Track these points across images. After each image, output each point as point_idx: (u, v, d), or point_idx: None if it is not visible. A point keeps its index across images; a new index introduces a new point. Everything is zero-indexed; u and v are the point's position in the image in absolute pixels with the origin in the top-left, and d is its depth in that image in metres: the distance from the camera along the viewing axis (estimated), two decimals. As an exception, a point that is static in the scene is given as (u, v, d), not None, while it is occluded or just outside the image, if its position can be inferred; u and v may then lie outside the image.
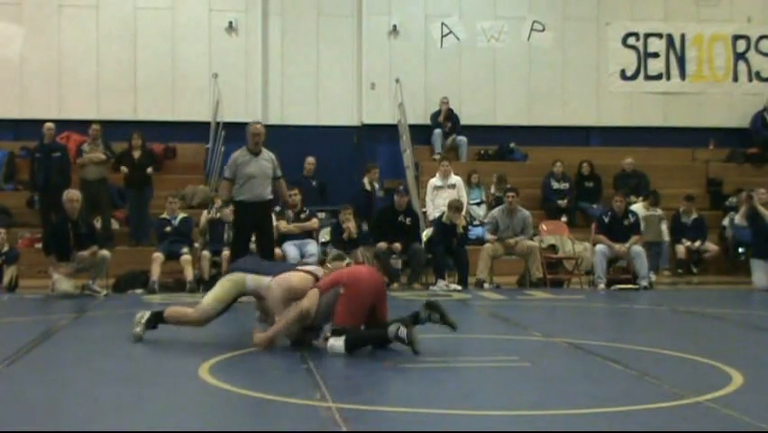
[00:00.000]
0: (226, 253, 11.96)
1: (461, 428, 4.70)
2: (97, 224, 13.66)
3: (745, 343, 8.26)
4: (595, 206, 16.34)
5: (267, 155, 10.96)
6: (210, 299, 7.54)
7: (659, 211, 15.19)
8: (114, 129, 15.74)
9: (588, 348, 7.35)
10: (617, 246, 13.41)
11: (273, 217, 11.84)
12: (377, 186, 15.17)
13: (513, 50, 18.40)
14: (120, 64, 17.29)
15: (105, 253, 12.20)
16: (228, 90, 17.09)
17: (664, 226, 15.07)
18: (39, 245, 13.40)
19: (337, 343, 6.75)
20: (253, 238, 11.01)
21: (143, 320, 7.68)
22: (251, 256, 7.95)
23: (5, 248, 12.82)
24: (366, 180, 15.10)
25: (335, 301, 6.96)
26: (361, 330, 7.04)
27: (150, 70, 17.33)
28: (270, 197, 10.94)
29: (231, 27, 17.61)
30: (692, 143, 18.45)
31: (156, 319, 7.71)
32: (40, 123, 14.92)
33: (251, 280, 7.35)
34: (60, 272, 11.78)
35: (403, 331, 6.75)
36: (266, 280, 7.27)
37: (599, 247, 13.48)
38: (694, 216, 15.33)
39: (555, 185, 16.58)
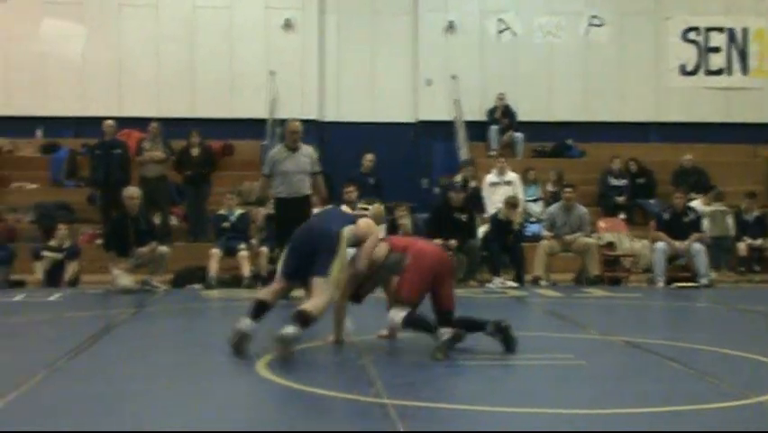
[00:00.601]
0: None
1: (516, 427, 4.68)
2: (156, 220, 13.83)
3: (807, 342, 8.10)
4: (653, 201, 16.13)
5: (305, 151, 11.05)
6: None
7: (723, 207, 14.94)
8: (172, 127, 15.93)
9: (645, 347, 7.27)
10: (677, 243, 13.24)
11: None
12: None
13: (570, 45, 18.26)
14: (179, 62, 17.51)
15: (163, 248, 12.36)
16: (285, 88, 17.20)
17: (730, 221, 14.81)
18: (99, 241, 13.64)
19: (398, 315, 6.76)
20: None
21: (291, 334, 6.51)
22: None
23: (67, 244, 13.04)
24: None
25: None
26: (423, 317, 6.98)
27: (208, 69, 17.52)
28: (309, 192, 10.99)
29: (287, 25, 17.72)
30: (754, 139, 18.13)
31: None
32: (100, 120, 15.14)
33: (348, 230, 6.99)
34: (120, 268, 11.96)
35: (446, 336, 6.65)
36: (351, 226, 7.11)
37: (659, 244, 13.32)
38: (756, 213, 15.05)
39: (613, 181, 16.41)
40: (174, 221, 15.30)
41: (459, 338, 6.73)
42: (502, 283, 12.82)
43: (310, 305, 6.58)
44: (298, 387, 5.53)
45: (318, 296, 6.65)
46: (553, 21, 18.28)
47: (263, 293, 7.01)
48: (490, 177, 15.48)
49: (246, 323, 6.67)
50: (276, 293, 6.93)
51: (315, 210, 7.13)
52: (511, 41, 18.20)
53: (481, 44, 18.14)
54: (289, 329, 6.40)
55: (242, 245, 12.93)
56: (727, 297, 11.97)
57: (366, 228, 7.06)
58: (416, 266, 7.00)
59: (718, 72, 18.50)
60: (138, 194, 12.46)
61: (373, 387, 5.51)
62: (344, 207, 7.30)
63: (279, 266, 7.06)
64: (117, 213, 12.66)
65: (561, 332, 8.30)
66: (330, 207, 7.29)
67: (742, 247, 14.68)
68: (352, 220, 7.07)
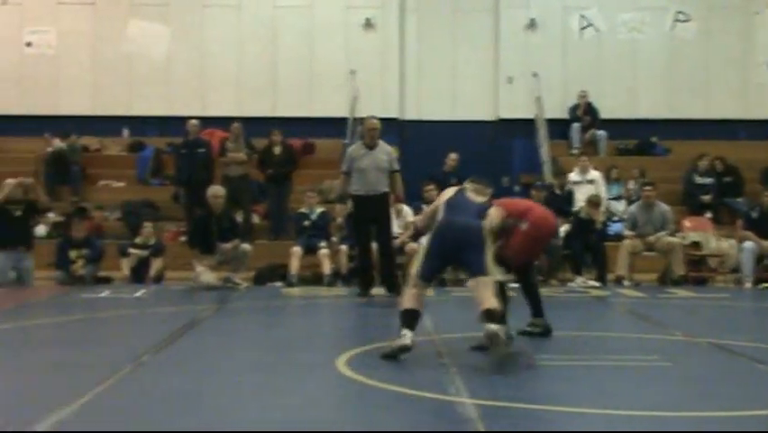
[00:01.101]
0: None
1: (598, 428, 4.61)
2: (239, 218, 14.00)
3: None
4: (740, 200, 15.77)
5: (383, 149, 11.05)
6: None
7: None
8: (254, 126, 16.12)
9: (732, 348, 7.11)
10: (765, 243, 12.92)
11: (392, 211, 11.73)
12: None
13: (654, 41, 17.96)
14: (260, 62, 17.72)
15: (246, 246, 12.51)
16: (365, 86, 17.27)
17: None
18: (183, 238, 13.87)
19: (497, 276, 6.53)
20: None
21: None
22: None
23: (152, 241, 13.29)
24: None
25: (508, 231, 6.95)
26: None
27: (289, 67, 17.69)
28: (386, 190, 10.97)
29: (368, 24, 17.79)
30: None
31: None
32: (184, 120, 15.40)
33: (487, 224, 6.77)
34: (203, 265, 12.14)
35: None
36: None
37: (746, 244, 13.01)
38: None
39: (698, 180, 16.07)
40: (256, 219, 15.47)
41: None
42: (584, 283, 12.67)
43: (490, 303, 6.26)
44: (378, 385, 5.54)
45: (488, 294, 6.33)
46: (638, 16, 18.01)
47: (410, 302, 6.50)
48: (572, 175, 15.32)
49: (408, 336, 6.32)
50: (420, 297, 6.55)
51: (439, 204, 6.71)
52: (594, 38, 17.98)
53: (563, 41, 17.96)
54: (492, 327, 6.08)
55: (323, 243, 13.00)
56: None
57: (498, 219, 6.89)
58: (532, 234, 6.98)
59: (811, 67, 17.99)
60: (222, 193, 12.63)
61: (453, 386, 5.50)
62: (470, 194, 6.81)
63: (416, 269, 6.64)
64: (201, 211, 12.85)
65: (644, 333, 8.16)
66: (451, 195, 6.74)
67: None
68: (485, 208, 6.78)
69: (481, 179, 6.99)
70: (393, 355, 6.33)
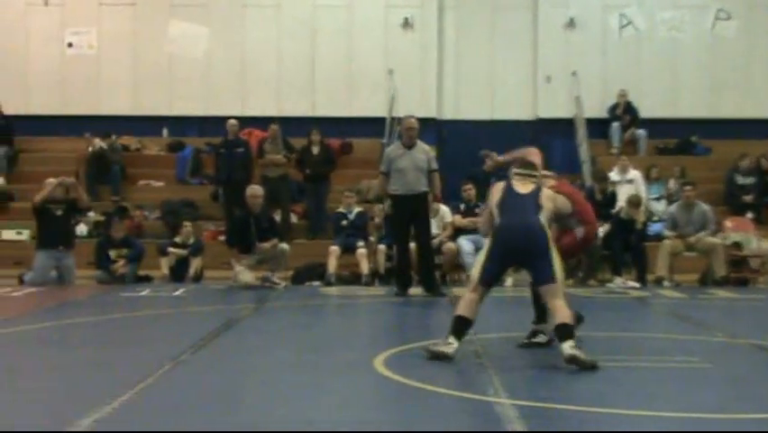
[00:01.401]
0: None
1: (639, 429, 4.57)
2: (277, 217, 14.05)
3: None
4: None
5: (422, 148, 11.07)
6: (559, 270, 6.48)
7: None
8: (293, 126, 16.17)
9: (775, 351, 7.01)
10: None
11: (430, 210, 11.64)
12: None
13: (695, 40, 17.77)
14: (299, 62, 17.77)
15: (284, 246, 12.55)
16: (403, 86, 17.26)
17: None
18: (222, 238, 13.95)
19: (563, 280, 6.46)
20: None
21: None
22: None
23: (191, 240, 13.37)
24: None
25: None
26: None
27: (327, 67, 17.72)
28: (425, 189, 10.96)
29: (406, 23, 17.77)
30: None
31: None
32: (223, 119, 15.50)
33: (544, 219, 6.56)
34: (242, 264, 12.19)
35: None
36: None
37: (788, 245, 12.85)
38: None
39: (740, 180, 15.88)
40: (294, 219, 15.53)
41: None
42: (623, 283, 12.57)
43: (563, 316, 6.18)
44: (416, 385, 5.53)
45: (560, 304, 6.26)
46: (678, 15, 17.83)
47: (465, 310, 6.40)
48: (612, 175, 15.19)
49: (454, 346, 6.27)
50: (476, 304, 6.44)
51: (495, 198, 6.49)
52: (633, 37, 17.82)
53: (603, 40, 17.83)
54: (569, 350, 6.00)
55: (361, 243, 13.02)
56: None
57: (552, 202, 6.64)
58: (584, 243, 7.04)
59: None
60: (261, 193, 12.69)
61: (491, 386, 5.48)
62: (517, 187, 6.60)
63: (476, 272, 6.56)
64: (240, 210, 12.91)
65: (685, 334, 8.08)
66: (500, 195, 6.54)
67: None
68: (537, 194, 6.56)
69: (525, 165, 6.79)
70: (434, 357, 6.29)
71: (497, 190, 6.70)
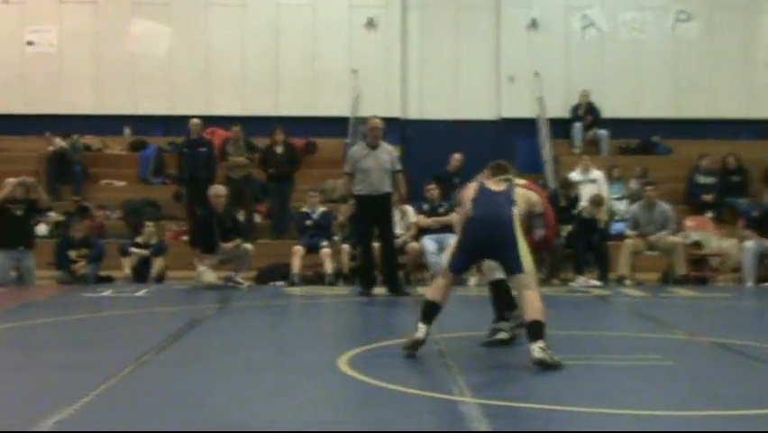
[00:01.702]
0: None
1: (602, 427, 4.61)
2: (241, 217, 14.00)
3: None
4: (741, 200, 15.75)
5: (385, 149, 11.14)
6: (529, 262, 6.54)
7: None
8: (256, 125, 16.12)
9: (734, 348, 7.10)
10: (767, 242, 12.91)
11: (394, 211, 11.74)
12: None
13: (657, 41, 17.94)
14: (263, 61, 17.71)
15: (248, 246, 12.51)
16: (367, 86, 17.27)
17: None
18: (185, 238, 13.87)
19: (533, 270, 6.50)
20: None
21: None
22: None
23: (154, 240, 13.28)
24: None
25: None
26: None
27: (291, 67, 17.67)
28: (389, 190, 11.03)
29: (370, 23, 17.77)
30: None
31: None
32: (187, 119, 15.39)
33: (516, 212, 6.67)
34: (205, 264, 12.14)
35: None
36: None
37: (748, 243, 13.00)
38: None
39: (701, 179, 16.06)
40: (258, 218, 15.48)
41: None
42: (586, 282, 12.65)
43: (533, 312, 6.20)
44: (381, 385, 5.53)
45: (532, 295, 6.29)
46: (639, 16, 17.99)
47: (434, 294, 6.54)
48: (574, 175, 15.30)
49: (423, 330, 6.37)
50: (445, 290, 6.57)
51: (470, 193, 6.57)
52: (596, 38, 17.96)
53: (565, 41, 17.94)
54: (537, 353, 6.00)
55: (325, 243, 13.00)
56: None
57: (525, 201, 6.72)
58: (545, 244, 7.10)
59: (812, 67, 17.97)
60: (224, 192, 12.64)
61: (456, 385, 5.49)
62: (491, 186, 6.71)
63: (447, 260, 6.76)
64: (203, 210, 12.85)
65: (646, 332, 8.16)
66: (474, 194, 6.60)
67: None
68: (511, 191, 6.67)
69: (498, 164, 6.98)
70: (411, 349, 6.36)
71: (470, 189, 6.76)
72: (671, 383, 5.90)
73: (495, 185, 6.74)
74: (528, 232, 6.83)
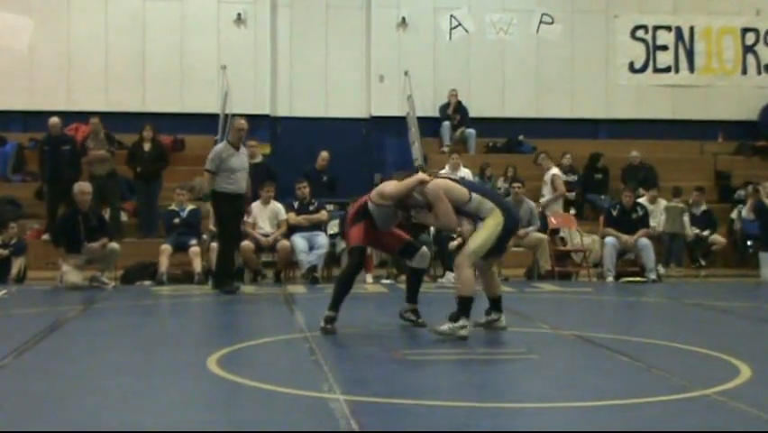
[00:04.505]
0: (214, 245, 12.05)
1: (468, 420, 4.70)
2: (106, 215, 13.68)
3: (752, 336, 8.26)
4: (603, 197, 16.30)
5: (243, 149, 11.53)
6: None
7: (681, 204, 15.16)
8: (123, 121, 15.77)
9: (596, 341, 7.35)
10: (625, 238, 13.40)
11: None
12: None
13: (522, 42, 18.37)
14: (129, 56, 17.31)
15: (114, 245, 12.23)
16: (237, 82, 17.10)
17: (686, 218, 15.01)
18: (46, 237, 13.45)
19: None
20: None
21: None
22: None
23: (14, 240, 12.85)
24: None
25: None
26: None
27: (158, 62, 17.34)
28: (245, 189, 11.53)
29: (239, 19, 17.60)
30: (701, 136, 18.41)
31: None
32: (48, 114, 14.92)
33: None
34: (70, 264, 11.82)
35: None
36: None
37: (608, 240, 13.47)
38: (703, 207, 15.29)
39: (563, 177, 16.52)
40: (124, 216, 15.14)
41: None
42: (454, 278, 12.82)
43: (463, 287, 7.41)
44: (250, 384, 5.50)
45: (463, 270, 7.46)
46: (506, 18, 18.37)
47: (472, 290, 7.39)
48: (443, 173, 15.47)
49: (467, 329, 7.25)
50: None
51: None
52: (463, 38, 18.26)
53: (434, 41, 18.18)
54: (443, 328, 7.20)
55: (193, 241, 12.84)
56: (675, 291, 12.14)
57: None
58: None
59: (666, 70, 18.74)
60: (89, 189, 12.31)
61: (326, 382, 5.51)
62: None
63: (481, 250, 7.41)
64: (66, 208, 12.50)
65: (513, 326, 8.32)
66: (461, 185, 7.61)
67: (689, 238, 14.88)
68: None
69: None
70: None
71: (445, 184, 7.45)
72: (534, 376, 6.06)
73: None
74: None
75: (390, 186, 7.59)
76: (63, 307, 9.80)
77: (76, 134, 15.50)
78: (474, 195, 7.35)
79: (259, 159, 14.26)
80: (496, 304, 7.87)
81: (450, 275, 12.95)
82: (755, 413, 4.81)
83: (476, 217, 7.42)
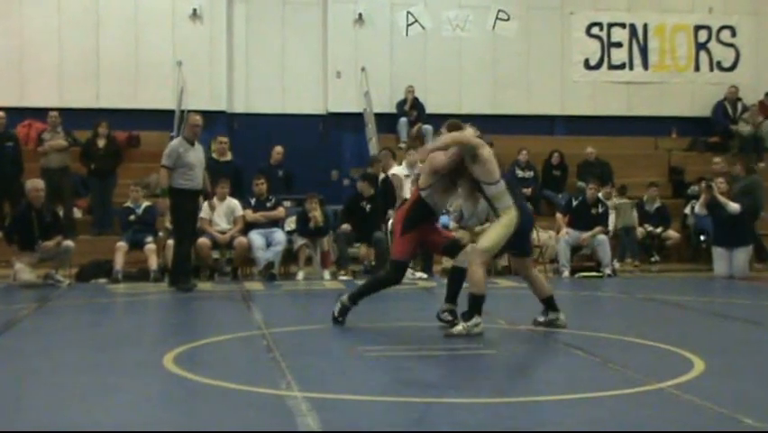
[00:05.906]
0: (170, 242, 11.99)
1: (425, 416, 4.72)
2: (59, 212, 13.51)
3: (706, 330, 8.38)
4: (560, 195, 16.41)
5: (198, 146, 11.52)
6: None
7: (627, 199, 15.34)
8: (76, 117, 15.59)
9: (552, 336, 7.41)
10: (581, 234, 13.52)
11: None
12: None
13: (478, 39, 18.42)
14: (82, 51, 17.08)
15: (69, 243, 12.09)
16: (192, 78, 16.95)
17: (635, 213, 15.18)
18: (-2, 235, 13.28)
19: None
20: None
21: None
22: None
23: (-35, 238, 12.68)
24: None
25: None
26: None
27: (113, 57, 17.13)
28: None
29: (195, 14, 17.45)
30: (655, 132, 18.61)
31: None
32: (0, 110, 14.71)
33: None
34: (23, 262, 11.67)
35: None
36: None
37: (564, 236, 13.58)
38: (657, 204, 15.46)
39: (520, 173, 16.60)
40: (78, 214, 14.98)
41: None
42: (412, 274, 12.86)
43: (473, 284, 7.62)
44: (207, 382, 5.48)
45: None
46: (462, 14, 18.42)
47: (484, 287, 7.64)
48: (400, 169, 15.51)
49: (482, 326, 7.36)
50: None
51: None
52: (420, 35, 18.28)
53: (390, 37, 18.17)
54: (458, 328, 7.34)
55: (149, 238, 12.74)
56: (630, 286, 12.27)
57: None
58: None
59: (621, 67, 18.91)
60: (42, 186, 12.17)
61: (284, 380, 5.50)
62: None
63: (495, 247, 7.65)
64: (12, 206, 12.34)
65: (469, 322, 8.39)
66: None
67: (642, 233, 15.05)
68: None
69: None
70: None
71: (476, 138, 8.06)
72: (491, 371, 6.10)
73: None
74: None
75: (438, 157, 7.55)
76: (16, 305, 9.69)
77: (29, 131, 15.30)
78: (503, 181, 7.37)
79: (228, 157, 14.24)
80: (550, 303, 7.81)
81: (408, 271, 12.96)
82: (708, 406, 4.88)
83: (491, 206, 7.43)
